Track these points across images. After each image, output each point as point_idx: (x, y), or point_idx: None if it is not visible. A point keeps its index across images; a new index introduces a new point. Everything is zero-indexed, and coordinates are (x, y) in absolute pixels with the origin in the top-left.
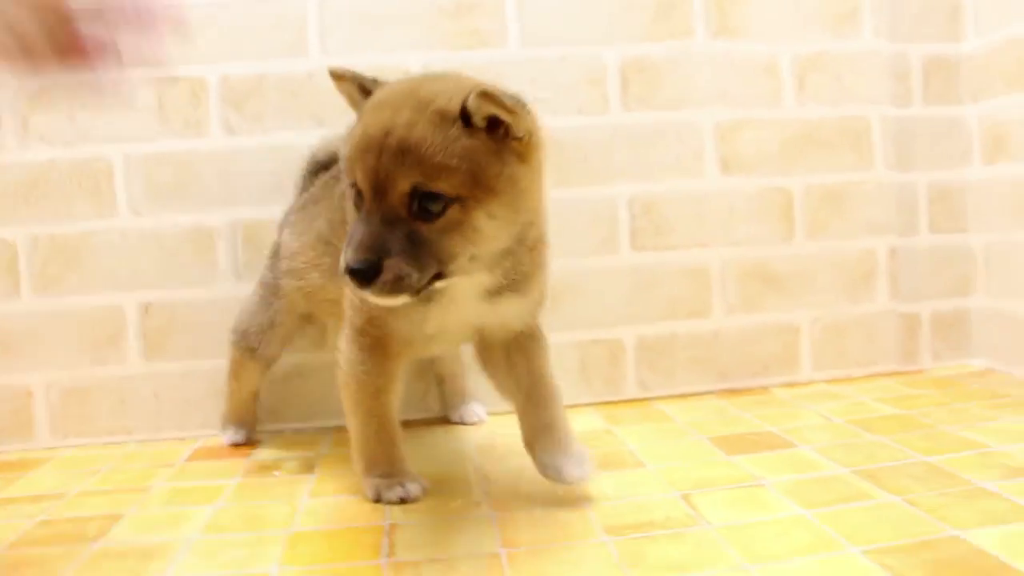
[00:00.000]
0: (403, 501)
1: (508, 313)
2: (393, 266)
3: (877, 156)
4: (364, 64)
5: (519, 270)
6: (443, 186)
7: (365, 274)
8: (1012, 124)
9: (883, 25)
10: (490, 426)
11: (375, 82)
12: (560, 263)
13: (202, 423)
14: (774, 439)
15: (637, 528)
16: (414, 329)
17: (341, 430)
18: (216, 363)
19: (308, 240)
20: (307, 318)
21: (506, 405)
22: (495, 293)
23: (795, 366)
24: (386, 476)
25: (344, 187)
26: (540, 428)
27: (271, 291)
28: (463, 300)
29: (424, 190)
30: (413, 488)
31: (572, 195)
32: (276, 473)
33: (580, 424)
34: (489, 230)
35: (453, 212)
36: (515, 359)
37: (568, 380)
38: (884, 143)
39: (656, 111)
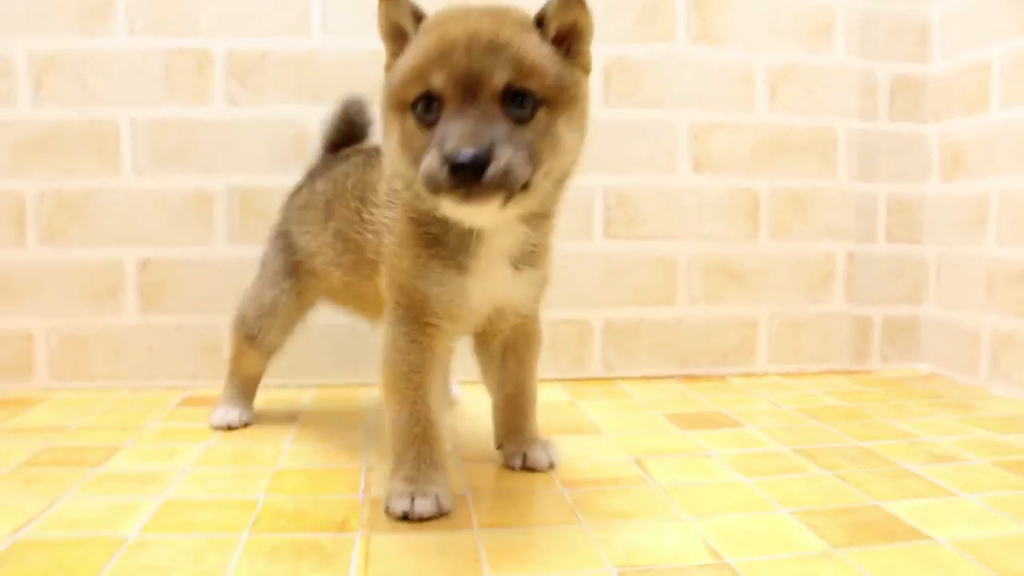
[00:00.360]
0: (406, 517)
1: (525, 288)
2: (506, 156)
3: (841, 165)
4: (365, 47)
5: (540, 235)
6: (534, 85)
7: (475, 163)
8: (968, 144)
9: (855, 42)
10: (463, 393)
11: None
12: None
13: (191, 374)
14: (724, 419)
15: (591, 484)
16: (455, 298)
17: (322, 387)
18: (207, 319)
19: (326, 239)
20: (311, 305)
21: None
22: (520, 261)
23: (752, 358)
24: (407, 480)
25: (390, 112)
26: (512, 429)
27: (276, 274)
28: (498, 270)
29: (517, 87)
30: (421, 503)
31: None
32: (262, 417)
33: (546, 397)
34: (567, 141)
35: (541, 115)
36: (508, 361)
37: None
38: (848, 153)
39: (635, 109)
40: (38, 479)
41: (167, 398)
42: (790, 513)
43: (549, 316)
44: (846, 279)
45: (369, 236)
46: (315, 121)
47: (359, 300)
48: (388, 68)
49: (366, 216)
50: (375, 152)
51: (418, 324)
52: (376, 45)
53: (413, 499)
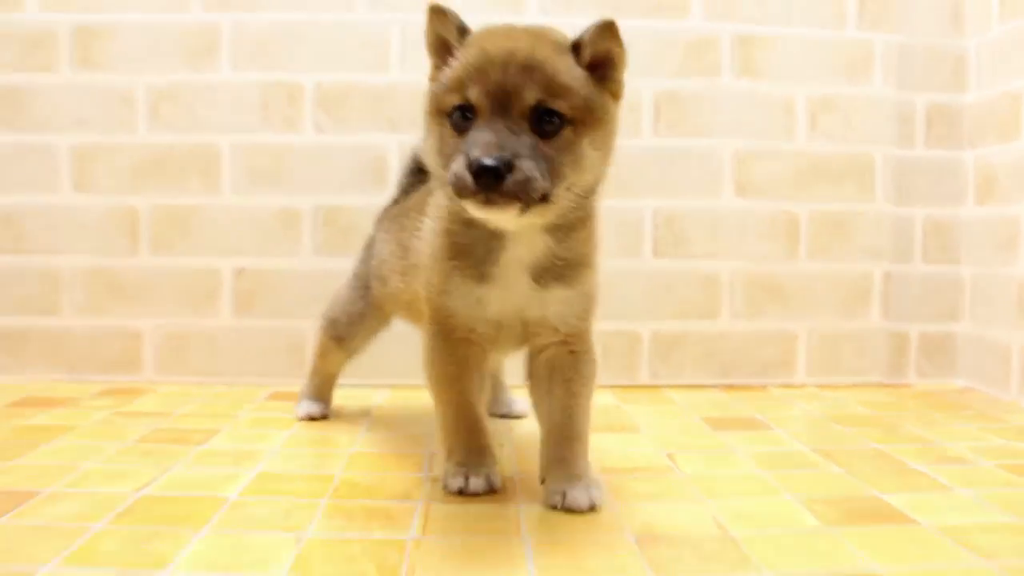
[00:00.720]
0: (461, 492)
1: (555, 306)
2: (525, 167)
3: (878, 190)
4: None
5: (567, 249)
6: (562, 105)
7: (497, 170)
8: (1001, 168)
9: (892, 74)
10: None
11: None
12: None
13: (279, 372)
14: (755, 423)
15: (624, 472)
16: (472, 309)
17: (394, 387)
18: (293, 323)
19: (392, 248)
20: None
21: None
22: (543, 274)
23: (791, 370)
24: (460, 464)
25: (433, 117)
26: (555, 461)
27: (364, 285)
28: (515, 280)
29: (546, 107)
30: (475, 481)
31: (605, 205)
32: (339, 413)
33: (597, 401)
34: (589, 159)
35: (567, 133)
36: (555, 388)
37: None
38: (885, 179)
39: (683, 138)
40: (152, 452)
41: (256, 392)
42: (795, 499)
43: (600, 327)
44: (883, 297)
45: (415, 242)
46: (392, 147)
47: (409, 307)
48: (432, 78)
49: (420, 224)
50: None
51: (450, 338)
52: None
53: (467, 478)
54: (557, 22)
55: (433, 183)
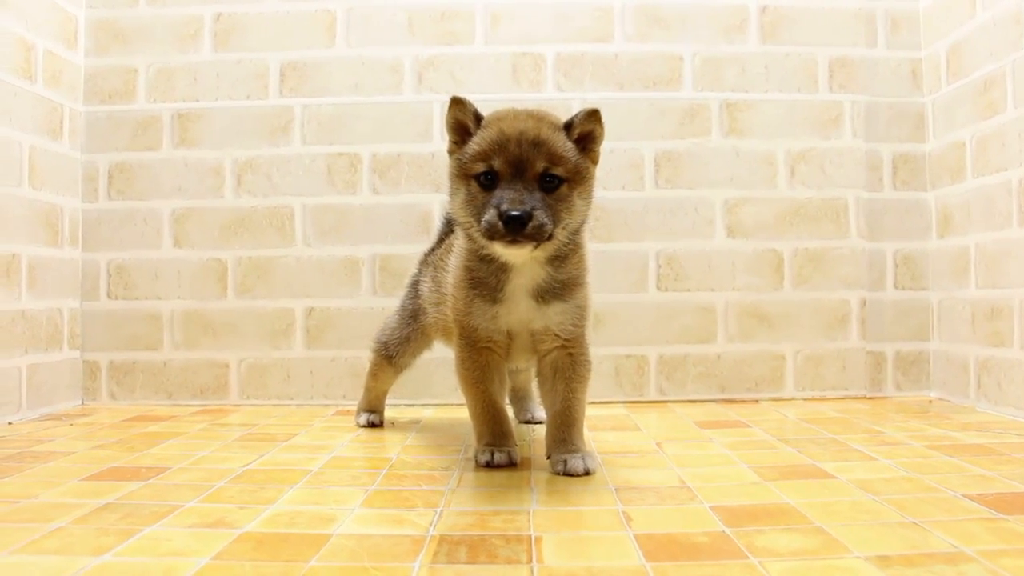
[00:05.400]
0: (488, 465)
1: (555, 317)
2: (540, 216)
3: (852, 228)
4: None
5: (563, 273)
6: (560, 170)
7: (521, 219)
8: (954, 208)
9: (860, 129)
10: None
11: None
12: (604, 297)
13: (342, 395)
14: (738, 423)
15: (618, 454)
16: (489, 324)
17: (438, 407)
18: (355, 353)
19: (430, 285)
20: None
21: None
22: (543, 294)
23: (780, 385)
24: (488, 445)
25: (459, 176)
26: (557, 441)
27: (409, 315)
28: (520, 300)
29: (549, 172)
30: (499, 456)
31: (615, 248)
32: (393, 423)
33: (610, 412)
34: (578, 207)
35: (563, 189)
36: (557, 384)
37: (605, 383)
38: (858, 218)
39: (679, 189)
40: (248, 447)
41: (324, 411)
42: (747, 467)
43: (613, 352)
44: (860, 321)
45: (445, 276)
46: (435, 204)
47: (445, 330)
48: (451, 152)
49: (448, 261)
50: None
51: (474, 347)
52: None
53: (493, 454)
54: (570, 96)
55: (458, 231)
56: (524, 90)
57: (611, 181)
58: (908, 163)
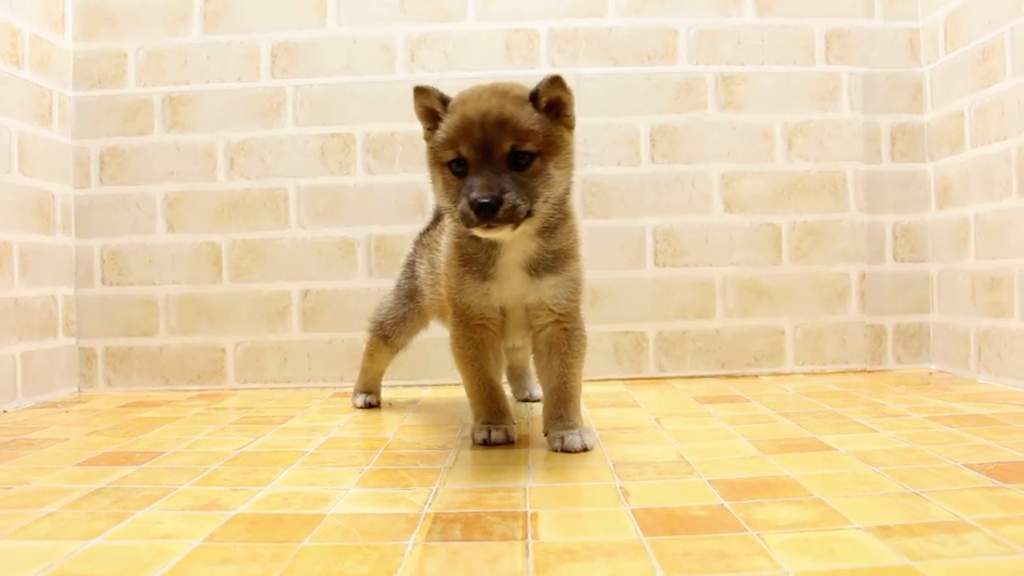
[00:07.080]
0: (485, 443)
1: (548, 290)
2: (510, 198)
3: (851, 201)
4: None
5: (554, 244)
6: (528, 145)
7: (491, 205)
8: (953, 179)
9: (858, 101)
10: None
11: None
12: (601, 274)
13: (339, 377)
14: (737, 398)
15: (617, 430)
16: (481, 301)
17: (436, 387)
18: (351, 335)
19: (427, 266)
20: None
21: None
22: (536, 267)
23: (780, 360)
24: (484, 423)
25: (433, 164)
26: (554, 418)
27: (405, 294)
28: (512, 275)
29: (517, 149)
30: (496, 434)
31: (612, 224)
32: (390, 404)
33: (609, 389)
34: (556, 177)
35: (536, 163)
36: (552, 360)
37: (604, 361)
38: (857, 191)
39: (676, 164)
40: (244, 429)
41: (322, 393)
42: (746, 441)
43: (612, 329)
44: (859, 294)
45: (438, 256)
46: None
47: (440, 309)
48: (427, 138)
49: (440, 243)
50: None
51: (469, 325)
52: None
53: (490, 432)
54: (564, 72)
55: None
56: (517, 66)
57: (607, 157)
58: (906, 134)
